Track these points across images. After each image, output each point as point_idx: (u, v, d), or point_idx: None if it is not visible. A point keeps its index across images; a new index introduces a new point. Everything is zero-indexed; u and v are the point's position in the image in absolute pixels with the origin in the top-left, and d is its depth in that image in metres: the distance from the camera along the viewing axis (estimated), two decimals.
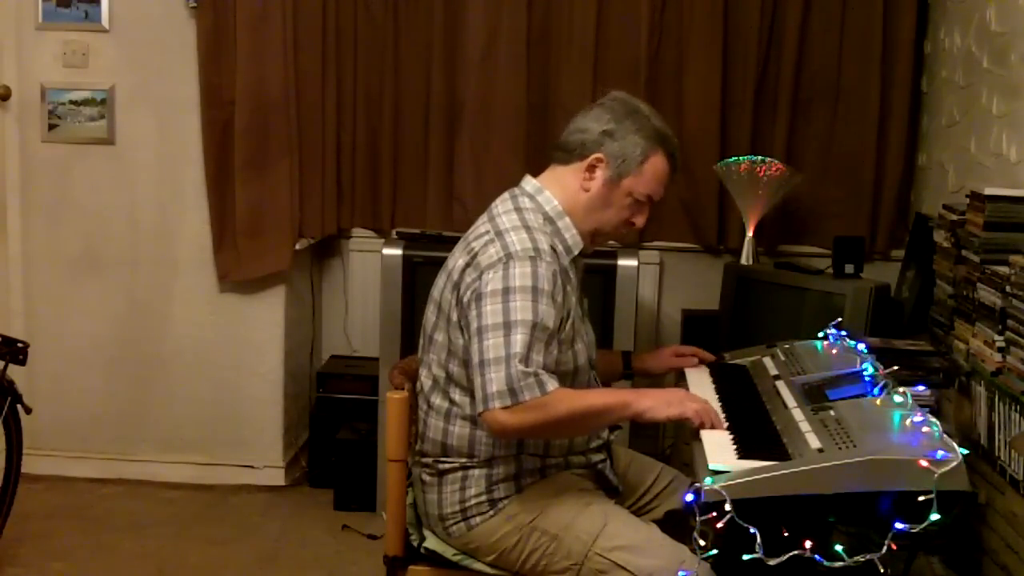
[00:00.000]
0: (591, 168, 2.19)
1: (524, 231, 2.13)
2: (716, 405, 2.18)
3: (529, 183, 2.24)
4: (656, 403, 2.09)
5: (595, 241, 2.27)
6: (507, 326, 2.02)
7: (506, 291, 2.04)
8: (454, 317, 2.14)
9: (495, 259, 2.08)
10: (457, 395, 2.17)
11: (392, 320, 3.48)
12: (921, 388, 2.30)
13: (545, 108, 3.80)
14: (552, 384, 2.01)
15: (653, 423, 2.15)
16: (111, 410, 3.89)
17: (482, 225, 2.20)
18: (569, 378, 2.14)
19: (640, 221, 2.26)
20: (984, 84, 3.13)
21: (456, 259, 2.19)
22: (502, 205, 2.22)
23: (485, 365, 2.01)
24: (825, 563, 1.84)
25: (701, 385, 2.42)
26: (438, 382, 2.20)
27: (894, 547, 1.82)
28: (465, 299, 2.10)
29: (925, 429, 1.93)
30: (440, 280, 2.23)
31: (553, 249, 2.14)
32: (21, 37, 3.74)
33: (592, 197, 2.20)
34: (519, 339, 2.00)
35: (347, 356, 4.08)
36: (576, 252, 2.22)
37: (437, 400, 2.20)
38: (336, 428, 3.78)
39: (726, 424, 2.11)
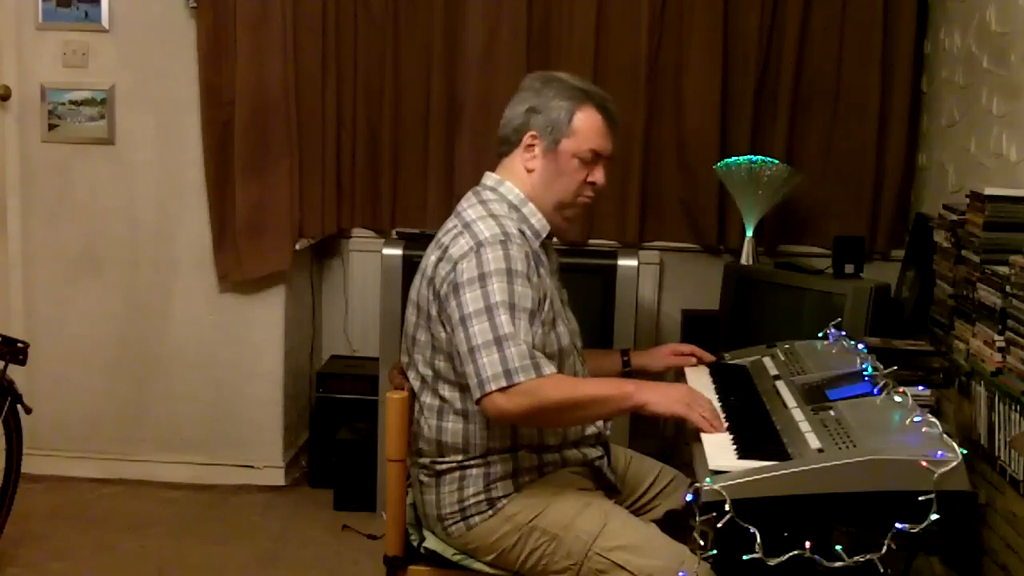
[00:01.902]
0: (529, 147, 2.23)
1: (491, 219, 2.16)
2: (716, 405, 2.17)
3: (489, 178, 2.28)
4: (661, 398, 2.09)
5: (566, 217, 2.26)
6: (489, 310, 2.03)
7: (482, 277, 2.06)
8: (433, 312, 2.15)
9: (466, 248, 2.11)
10: (446, 391, 2.18)
11: (392, 320, 3.47)
12: (921, 388, 2.30)
13: None
14: (548, 368, 2.02)
15: (654, 417, 2.14)
16: (111, 410, 3.89)
17: (450, 222, 2.24)
18: (555, 360, 2.14)
19: (599, 177, 2.25)
20: (984, 84, 3.13)
21: (428, 257, 2.21)
22: (466, 202, 2.26)
23: (476, 351, 2.02)
24: (825, 563, 1.84)
25: (701, 385, 2.41)
26: (426, 381, 2.20)
27: (894, 547, 1.82)
28: (442, 292, 2.12)
29: (925, 429, 1.93)
30: (416, 280, 2.25)
31: (522, 233, 2.17)
32: (21, 37, 3.74)
33: (540, 172, 2.23)
34: (503, 320, 2.02)
35: (347, 356, 4.08)
36: (544, 235, 2.24)
37: (427, 399, 2.21)
38: (336, 428, 3.77)
39: (726, 424, 2.11)
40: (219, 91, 3.67)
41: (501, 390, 1.99)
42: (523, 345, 2.01)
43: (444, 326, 2.12)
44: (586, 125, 2.23)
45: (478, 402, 2.03)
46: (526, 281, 2.08)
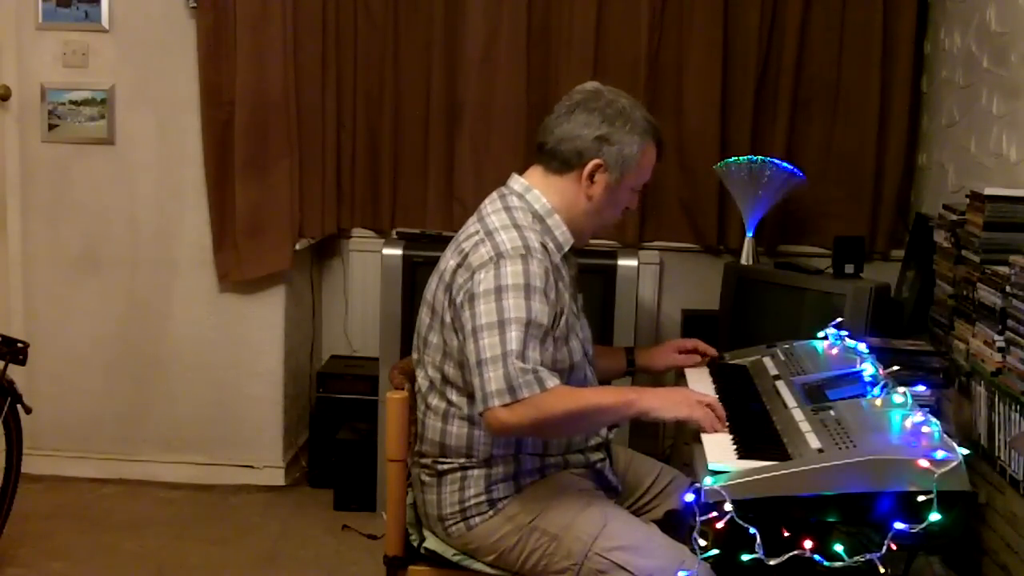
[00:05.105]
0: (591, 175, 2.19)
1: (514, 230, 2.13)
2: None
3: (517, 182, 2.25)
4: (664, 403, 2.09)
5: (595, 235, 2.30)
6: (501, 325, 2.02)
7: (499, 290, 2.05)
8: (447, 318, 2.14)
9: (486, 259, 2.09)
10: (454, 396, 2.17)
11: (392, 320, 3.48)
12: (921, 388, 2.30)
13: (545, 108, 3.73)
14: (552, 381, 2.01)
15: (656, 422, 2.15)
16: (111, 410, 3.89)
17: (472, 225, 2.21)
18: (565, 375, 2.14)
19: (635, 203, 2.31)
20: (984, 84, 3.13)
21: (447, 260, 2.19)
22: (491, 205, 2.22)
23: (482, 365, 2.01)
24: (825, 563, 1.84)
25: (701, 385, 2.42)
26: (434, 383, 2.20)
27: (894, 547, 1.82)
28: (458, 300, 2.11)
29: (925, 429, 1.93)
30: (432, 282, 2.23)
31: (544, 246, 2.15)
32: (21, 37, 3.74)
33: (597, 202, 2.21)
34: (514, 336, 2.01)
35: (347, 356, 4.08)
36: (567, 249, 2.22)
37: (434, 401, 2.20)
38: (336, 428, 3.78)
39: (726, 424, 2.11)
40: (219, 91, 3.67)
41: (504, 405, 1.99)
42: (528, 361, 2.00)
43: (457, 334, 2.12)
44: (648, 161, 2.23)
45: (481, 415, 2.03)
46: (543, 297, 2.06)
